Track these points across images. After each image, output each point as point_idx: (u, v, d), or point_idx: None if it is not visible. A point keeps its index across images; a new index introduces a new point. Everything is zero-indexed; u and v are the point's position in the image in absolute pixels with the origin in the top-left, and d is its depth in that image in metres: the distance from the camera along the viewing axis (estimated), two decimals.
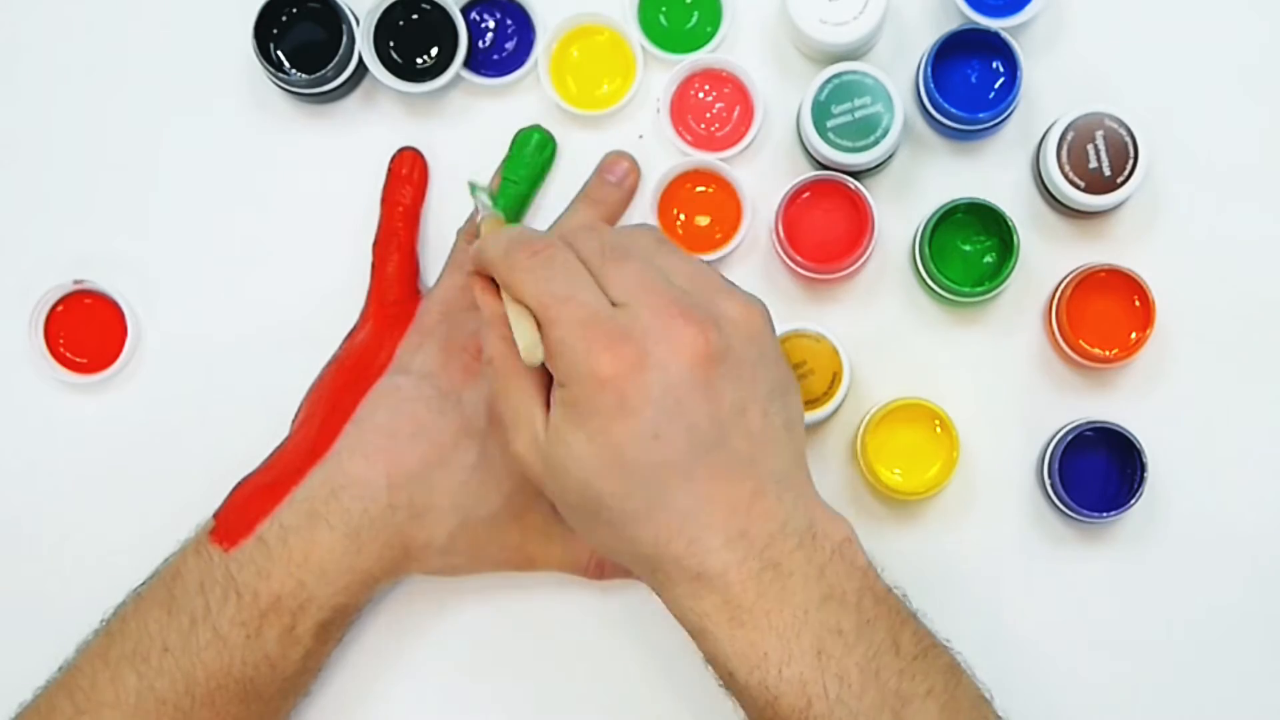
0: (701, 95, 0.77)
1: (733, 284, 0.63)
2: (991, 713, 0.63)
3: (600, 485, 0.59)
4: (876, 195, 0.74)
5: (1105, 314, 0.74)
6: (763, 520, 0.59)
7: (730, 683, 0.60)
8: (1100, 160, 0.73)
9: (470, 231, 0.75)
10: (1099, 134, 0.73)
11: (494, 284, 0.63)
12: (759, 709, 0.60)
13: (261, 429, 0.73)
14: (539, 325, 0.60)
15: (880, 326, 0.76)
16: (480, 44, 0.77)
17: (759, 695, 0.59)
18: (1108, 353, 0.73)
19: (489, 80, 0.77)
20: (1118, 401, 0.76)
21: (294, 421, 0.74)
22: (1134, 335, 0.73)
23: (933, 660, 0.61)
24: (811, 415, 0.73)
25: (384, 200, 0.76)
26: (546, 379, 0.62)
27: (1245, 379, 0.76)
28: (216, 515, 0.70)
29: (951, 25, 0.74)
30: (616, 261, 0.61)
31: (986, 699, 0.63)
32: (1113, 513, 0.73)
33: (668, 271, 0.61)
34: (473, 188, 0.68)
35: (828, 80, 0.73)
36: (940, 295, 0.75)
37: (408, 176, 0.76)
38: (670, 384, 0.58)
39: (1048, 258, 0.76)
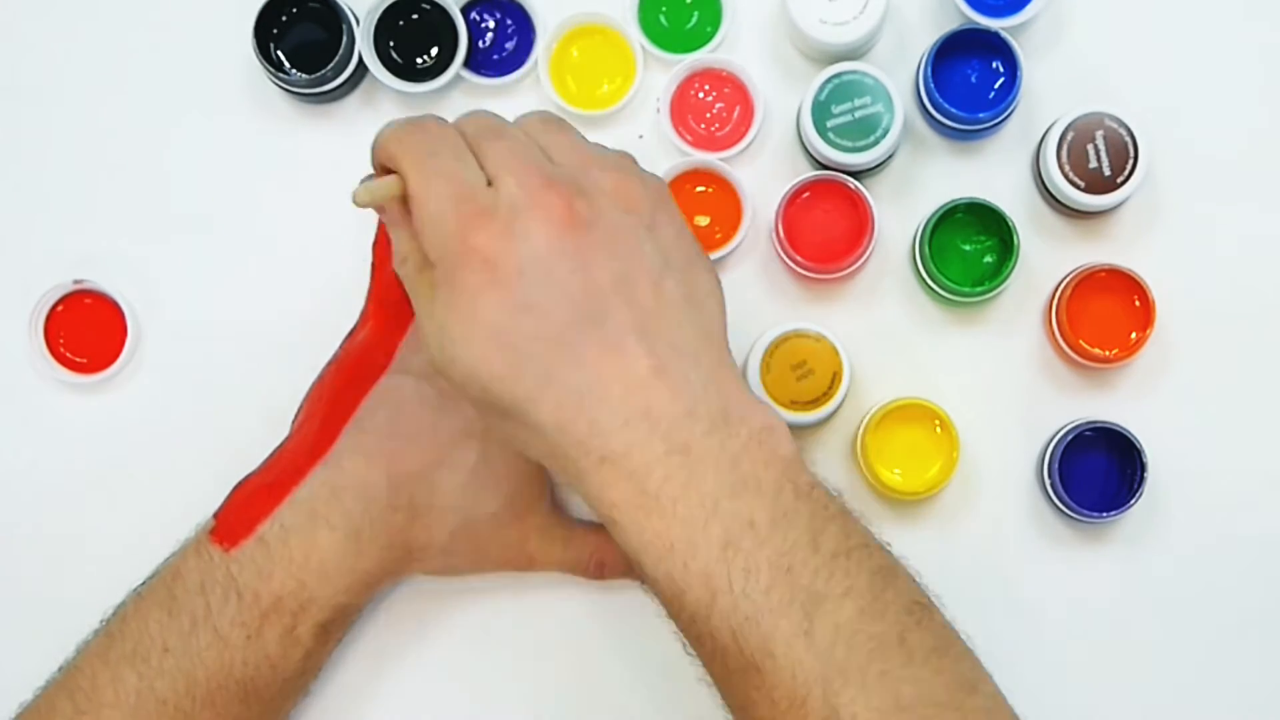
0: (701, 95, 0.77)
1: (629, 163, 0.61)
2: (933, 620, 0.59)
3: (485, 369, 0.57)
4: (876, 195, 0.74)
5: (1105, 314, 0.74)
6: (666, 399, 0.57)
7: (641, 575, 0.58)
8: (1100, 160, 0.73)
9: None
10: (1099, 134, 0.73)
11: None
12: (668, 601, 0.58)
13: (262, 429, 0.73)
14: (412, 200, 0.58)
15: (880, 326, 0.76)
16: (480, 44, 0.77)
17: (667, 588, 0.57)
18: (1108, 353, 0.73)
19: (489, 80, 0.77)
20: (1118, 401, 0.76)
21: (294, 421, 0.74)
22: (1134, 335, 0.73)
23: (859, 560, 0.58)
24: (811, 415, 0.73)
25: None
26: None
27: (1245, 379, 0.76)
28: (217, 515, 0.70)
29: (951, 25, 0.74)
30: (493, 138, 0.59)
31: (926, 604, 0.60)
32: (1113, 513, 0.73)
33: (550, 148, 0.60)
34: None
35: (828, 80, 0.73)
36: (940, 295, 0.75)
37: None
38: (536, 253, 0.56)
39: (1048, 258, 0.76)
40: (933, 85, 0.73)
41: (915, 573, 0.61)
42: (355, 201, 0.59)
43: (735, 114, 0.76)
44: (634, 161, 0.63)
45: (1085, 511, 0.73)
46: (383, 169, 0.62)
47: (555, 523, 0.73)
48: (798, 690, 0.56)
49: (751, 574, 0.56)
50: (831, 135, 0.73)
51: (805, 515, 0.58)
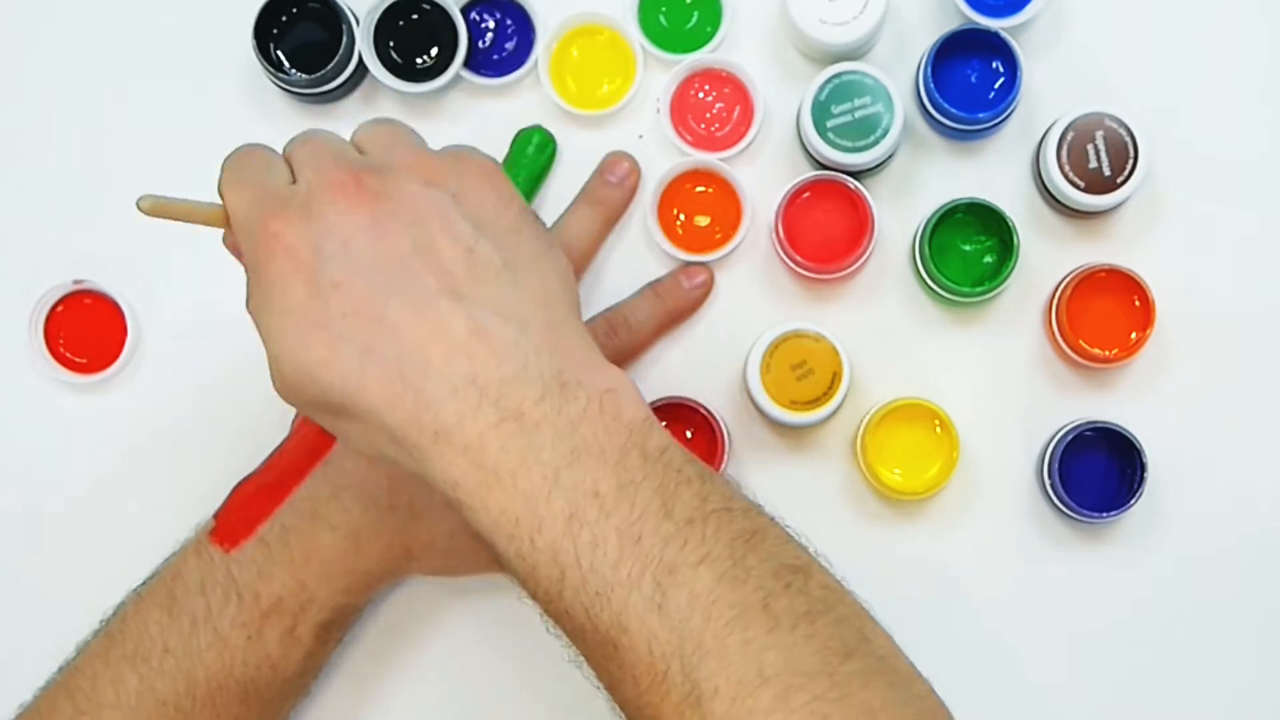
0: (701, 95, 0.77)
1: (454, 149, 0.60)
2: (808, 584, 0.55)
3: (306, 357, 0.55)
4: (876, 195, 0.74)
5: (1105, 314, 0.74)
6: (492, 364, 0.55)
7: (496, 557, 0.56)
8: (1100, 160, 0.73)
9: None
10: (1099, 134, 0.73)
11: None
12: (523, 581, 0.56)
13: (262, 429, 0.73)
14: (228, 216, 0.59)
15: (880, 326, 0.76)
16: (480, 44, 0.77)
17: (519, 567, 0.55)
18: (1108, 353, 0.73)
19: (489, 80, 0.77)
20: (1118, 401, 0.76)
21: (294, 421, 0.74)
22: (1134, 335, 0.73)
23: (716, 526, 0.55)
24: (811, 415, 0.73)
25: None
26: None
27: (1245, 379, 0.76)
28: (217, 516, 0.70)
29: (951, 25, 0.74)
30: (300, 143, 0.59)
31: (799, 567, 0.56)
32: (1113, 513, 0.73)
33: (363, 144, 0.60)
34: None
35: (828, 80, 0.73)
36: (940, 295, 0.75)
37: None
38: (331, 228, 0.56)
39: (1048, 258, 0.76)
40: (933, 85, 0.73)
41: (794, 534, 0.58)
42: (139, 207, 0.59)
43: (735, 114, 0.76)
44: (468, 149, 0.61)
45: (1085, 511, 0.73)
46: None
47: None
48: (656, 665, 0.53)
49: (599, 547, 0.54)
50: (831, 135, 0.73)
51: (655, 481, 0.55)
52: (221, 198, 0.60)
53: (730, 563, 0.54)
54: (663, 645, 0.53)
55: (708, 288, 0.76)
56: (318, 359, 0.55)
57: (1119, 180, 0.73)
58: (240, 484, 0.71)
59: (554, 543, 0.54)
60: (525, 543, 0.54)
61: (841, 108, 0.73)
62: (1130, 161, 0.73)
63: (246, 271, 0.59)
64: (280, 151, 0.60)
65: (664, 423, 0.58)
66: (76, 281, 0.77)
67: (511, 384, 0.55)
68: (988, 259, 0.75)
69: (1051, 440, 0.74)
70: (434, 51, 0.76)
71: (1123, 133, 0.73)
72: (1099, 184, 0.73)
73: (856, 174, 0.74)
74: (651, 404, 0.68)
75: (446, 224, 0.57)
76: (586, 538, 0.54)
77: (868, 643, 0.56)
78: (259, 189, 0.58)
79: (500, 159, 0.77)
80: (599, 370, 0.57)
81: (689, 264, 0.76)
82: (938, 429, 0.74)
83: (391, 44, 0.76)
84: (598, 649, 0.55)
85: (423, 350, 0.55)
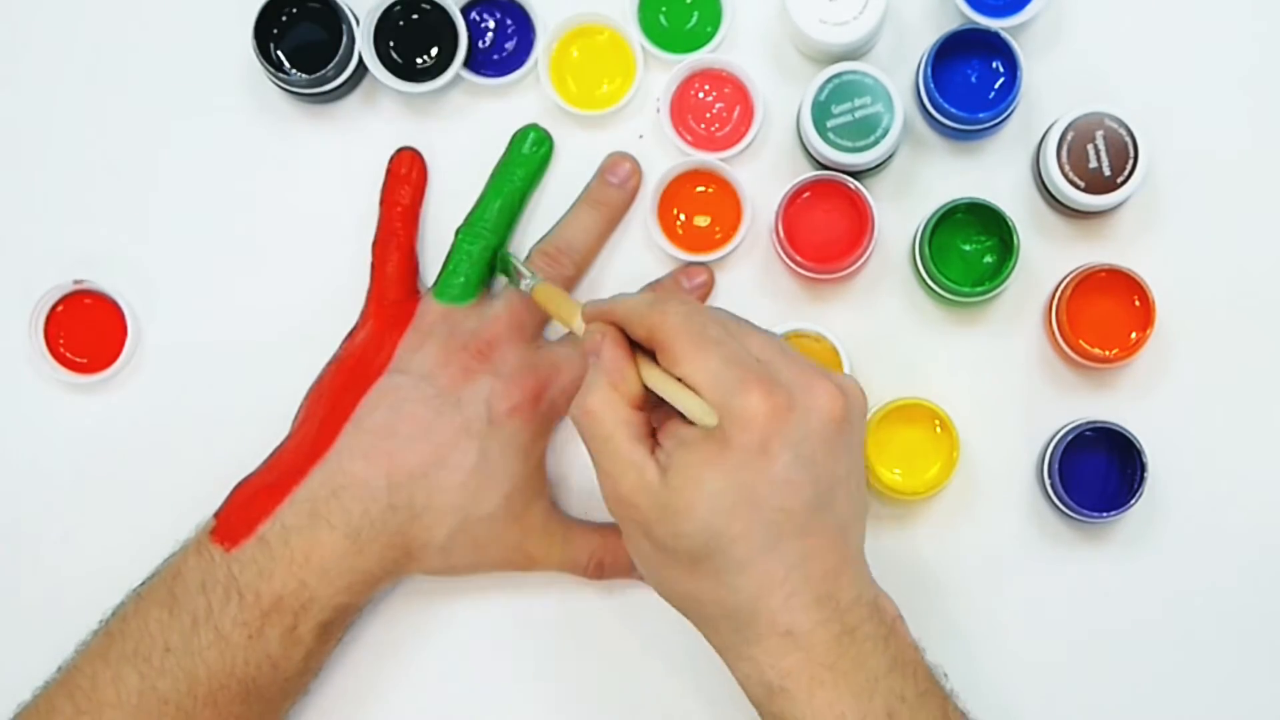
0: (701, 95, 0.77)
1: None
2: None
3: (724, 525, 0.60)
4: (876, 195, 0.74)
5: (1105, 314, 0.74)
6: (846, 587, 0.62)
7: None
8: (1100, 160, 0.73)
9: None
10: (1099, 134, 0.73)
11: (620, 335, 0.64)
12: None
13: (261, 429, 0.73)
14: (686, 363, 0.61)
15: (880, 326, 0.76)
16: (480, 44, 0.77)
17: None
18: (1108, 353, 0.74)
19: (489, 80, 0.77)
20: (1118, 401, 0.76)
21: (294, 421, 0.74)
22: (1134, 335, 0.73)
23: None
24: None
25: (383, 200, 0.77)
26: (647, 427, 0.63)
27: (1245, 379, 0.76)
28: (217, 515, 0.70)
29: (951, 25, 0.74)
30: (750, 330, 0.64)
31: None
32: (1113, 513, 0.73)
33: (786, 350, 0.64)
34: (506, 261, 0.72)
35: (828, 80, 0.73)
36: (940, 295, 0.75)
37: (406, 176, 0.76)
38: (808, 434, 0.60)
39: (1048, 258, 0.76)
40: (933, 85, 0.73)
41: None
42: (702, 423, 0.61)
43: (735, 114, 0.76)
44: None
45: (1085, 511, 0.73)
46: (610, 324, 0.65)
47: (554, 522, 0.73)
48: None
49: None
50: (831, 135, 0.73)
51: (936, 694, 0.64)
52: (660, 342, 0.62)
53: None
54: None
55: (708, 288, 0.76)
56: (733, 533, 0.60)
57: (1119, 180, 0.73)
58: (241, 483, 0.71)
59: None
60: None
61: (841, 108, 0.73)
62: (1130, 161, 0.73)
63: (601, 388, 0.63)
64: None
65: None
66: (76, 281, 0.77)
67: (853, 605, 0.62)
68: (988, 259, 0.75)
69: (1051, 440, 0.74)
70: (434, 51, 0.76)
71: (1123, 133, 0.73)
72: (1099, 184, 0.73)
73: (856, 174, 0.74)
74: None
75: (858, 461, 0.64)
76: None
77: None
78: (737, 352, 0.61)
79: (498, 160, 0.77)
80: (887, 598, 0.65)
81: (689, 264, 0.76)
82: (938, 429, 0.74)
83: (391, 44, 0.76)
84: None
85: (811, 565, 0.61)
